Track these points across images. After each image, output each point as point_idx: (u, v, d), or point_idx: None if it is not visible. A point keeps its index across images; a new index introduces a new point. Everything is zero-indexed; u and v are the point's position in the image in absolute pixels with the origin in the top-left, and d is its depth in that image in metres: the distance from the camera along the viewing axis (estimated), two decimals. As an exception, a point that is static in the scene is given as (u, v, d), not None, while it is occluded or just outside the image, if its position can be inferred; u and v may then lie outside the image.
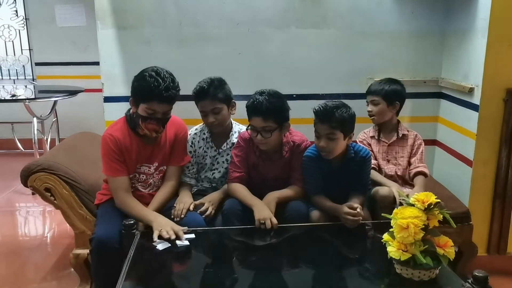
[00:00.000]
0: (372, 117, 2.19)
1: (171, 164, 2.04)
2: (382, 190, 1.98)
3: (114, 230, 1.76)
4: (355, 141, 2.18)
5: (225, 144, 2.12)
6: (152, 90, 1.79)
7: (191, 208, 1.93)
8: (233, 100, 2.08)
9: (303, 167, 1.99)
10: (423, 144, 2.20)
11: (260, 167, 2.05)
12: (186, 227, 1.79)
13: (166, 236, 1.70)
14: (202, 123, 2.16)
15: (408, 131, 2.21)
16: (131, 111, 1.94)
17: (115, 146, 1.89)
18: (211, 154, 2.14)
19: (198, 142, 2.14)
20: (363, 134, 2.25)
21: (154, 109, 1.82)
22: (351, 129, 1.91)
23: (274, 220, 1.82)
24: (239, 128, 2.16)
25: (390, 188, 1.99)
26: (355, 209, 1.79)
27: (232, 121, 2.16)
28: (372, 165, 2.11)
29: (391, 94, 2.13)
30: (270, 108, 1.89)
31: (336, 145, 1.88)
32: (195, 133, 2.15)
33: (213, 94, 1.99)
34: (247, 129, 1.99)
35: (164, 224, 1.76)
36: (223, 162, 2.14)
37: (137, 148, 1.94)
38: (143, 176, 2.00)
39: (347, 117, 1.87)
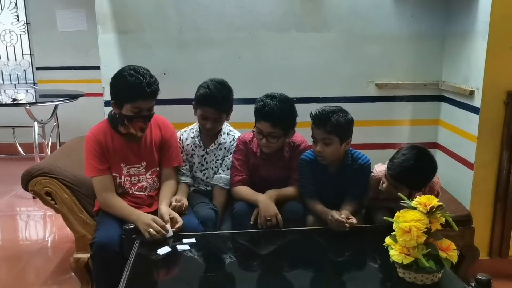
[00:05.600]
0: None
1: (165, 166, 2.04)
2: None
3: (114, 235, 1.76)
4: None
5: (213, 144, 2.13)
6: (136, 88, 1.81)
7: (184, 207, 1.91)
8: (231, 110, 2.10)
9: (299, 169, 2.00)
10: None
11: (261, 168, 2.06)
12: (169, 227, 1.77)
13: (155, 236, 1.71)
14: (195, 124, 2.18)
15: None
16: (113, 112, 1.94)
17: (97, 145, 1.91)
18: (199, 153, 2.15)
19: (186, 139, 2.16)
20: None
21: (140, 107, 1.84)
22: (348, 135, 1.90)
23: (280, 218, 1.84)
24: (228, 130, 2.18)
25: None
26: (341, 220, 1.75)
27: None
28: None
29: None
30: (280, 116, 1.89)
31: (332, 150, 1.87)
32: (185, 131, 2.19)
33: (220, 106, 1.99)
34: (252, 131, 2.00)
35: (147, 223, 1.74)
36: (211, 161, 2.15)
37: (120, 147, 1.95)
38: (135, 178, 1.99)
39: (343, 122, 1.85)
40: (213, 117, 2.02)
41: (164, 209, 1.84)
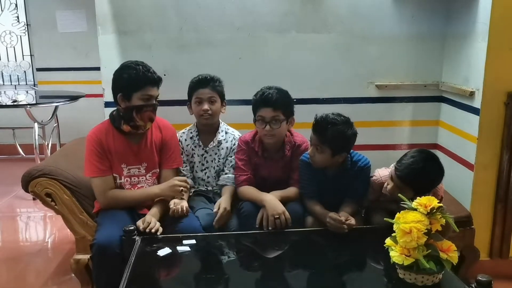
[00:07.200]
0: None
1: (165, 167, 2.04)
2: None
3: (115, 236, 1.76)
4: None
5: (211, 143, 2.15)
6: (144, 75, 1.89)
7: (185, 209, 1.90)
8: (225, 101, 2.16)
9: (299, 170, 2.00)
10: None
11: (262, 167, 2.07)
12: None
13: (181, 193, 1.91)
14: (192, 124, 2.20)
15: None
16: (119, 108, 1.95)
17: (98, 145, 1.92)
18: (199, 152, 2.16)
19: (186, 140, 2.17)
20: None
21: (149, 93, 1.91)
22: (344, 149, 1.87)
23: (288, 215, 1.84)
24: (226, 128, 2.20)
25: None
26: (339, 219, 1.76)
27: (220, 120, 2.20)
28: None
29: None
30: (280, 99, 1.96)
31: (322, 158, 1.86)
32: (183, 132, 2.20)
33: (213, 85, 2.09)
34: (254, 122, 2.02)
35: (173, 185, 1.92)
36: (211, 161, 2.16)
37: (121, 148, 1.96)
38: (135, 179, 2.00)
39: (340, 136, 1.82)
40: (207, 97, 2.07)
41: (139, 222, 1.81)
